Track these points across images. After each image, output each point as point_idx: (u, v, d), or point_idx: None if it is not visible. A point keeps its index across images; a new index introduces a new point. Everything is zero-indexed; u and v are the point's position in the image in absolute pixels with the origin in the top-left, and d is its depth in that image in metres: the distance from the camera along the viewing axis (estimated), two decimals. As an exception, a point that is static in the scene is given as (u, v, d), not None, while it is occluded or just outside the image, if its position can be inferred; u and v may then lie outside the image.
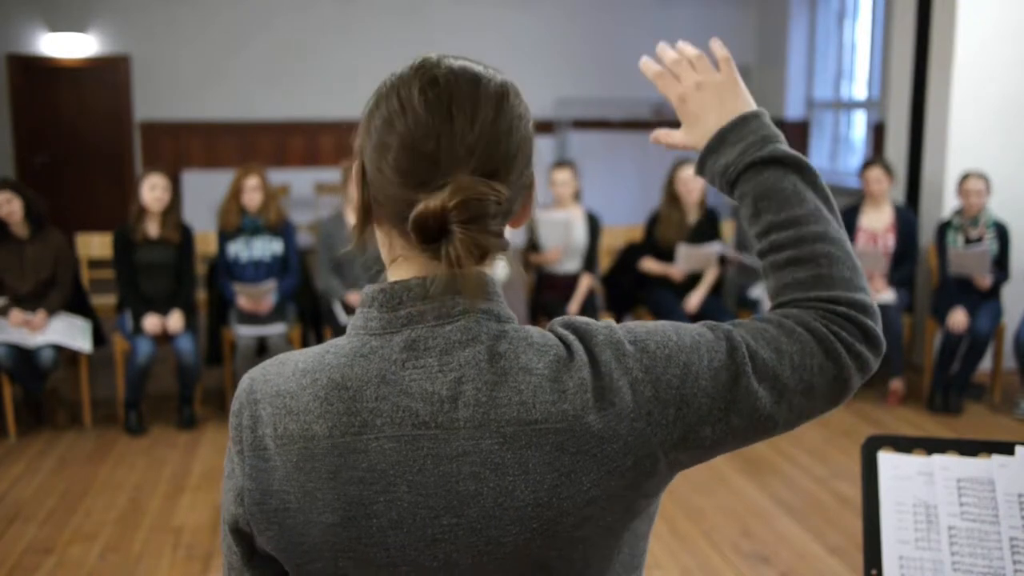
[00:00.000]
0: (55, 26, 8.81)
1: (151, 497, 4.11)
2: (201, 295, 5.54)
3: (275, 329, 5.07)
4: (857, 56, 8.56)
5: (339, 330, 5.02)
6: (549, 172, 5.63)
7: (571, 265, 5.61)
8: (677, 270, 5.58)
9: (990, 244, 5.30)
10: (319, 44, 9.04)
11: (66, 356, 5.26)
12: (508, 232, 0.94)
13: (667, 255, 5.61)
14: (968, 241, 5.35)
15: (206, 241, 5.62)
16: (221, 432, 4.91)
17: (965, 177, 5.34)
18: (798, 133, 8.79)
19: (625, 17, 9.39)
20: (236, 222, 5.19)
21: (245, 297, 5.07)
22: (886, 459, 1.19)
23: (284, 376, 0.94)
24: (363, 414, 0.89)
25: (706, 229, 5.65)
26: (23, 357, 4.80)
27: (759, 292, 5.73)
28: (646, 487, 0.91)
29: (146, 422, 4.99)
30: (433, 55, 0.94)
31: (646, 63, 1.14)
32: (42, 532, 3.77)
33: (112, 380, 5.29)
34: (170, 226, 5.05)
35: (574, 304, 5.48)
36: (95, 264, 5.78)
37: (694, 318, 5.47)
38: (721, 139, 1.08)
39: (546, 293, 5.60)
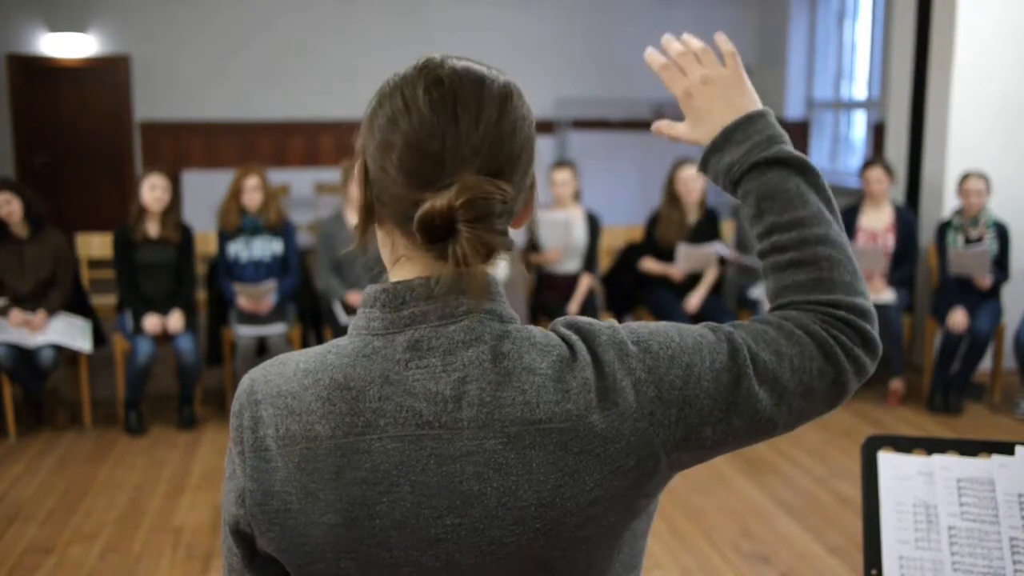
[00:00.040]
0: (55, 26, 8.80)
1: (151, 497, 4.11)
2: (201, 295, 5.54)
3: (275, 329, 5.07)
4: (857, 56, 8.56)
5: (339, 330, 5.02)
6: (549, 172, 5.63)
7: (571, 265, 5.61)
8: (677, 270, 5.58)
9: (990, 244, 5.30)
10: (319, 44, 9.03)
11: (66, 356, 5.26)
12: (509, 232, 0.95)
13: (667, 255, 5.60)
14: (968, 241, 5.35)
15: (206, 241, 5.62)
16: (221, 432, 4.91)
17: (965, 177, 5.34)
18: (798, 133, 8.79)
19: (625, 17, 9.39)
20: (236, 222, 5.19)
21: (245, 297, 5.07)
22: (886, 459, 1.19)
23: (285, 377, 0.93)
24: (366, 414, 0.89)
25: (706, 229, 5.65)
26: (23, 357, 4.80)
27: (759, 292, 5.73)
28: (647, 487, 0.92)
29: (146, 422, 4.99)
30: (436, 55, 0.94)
31: (651, 54, 1.13)
32: (42, 532, 3.77)
33: (112, 380, 5.29)
34: (170, 226, 5.05)
35: (574, 304, 5.48)
36: (95, 264, 5.78)
37: (694, 318, 5.47)
38: (726, 137, 1.07)
39: (546, 293, 5.60)
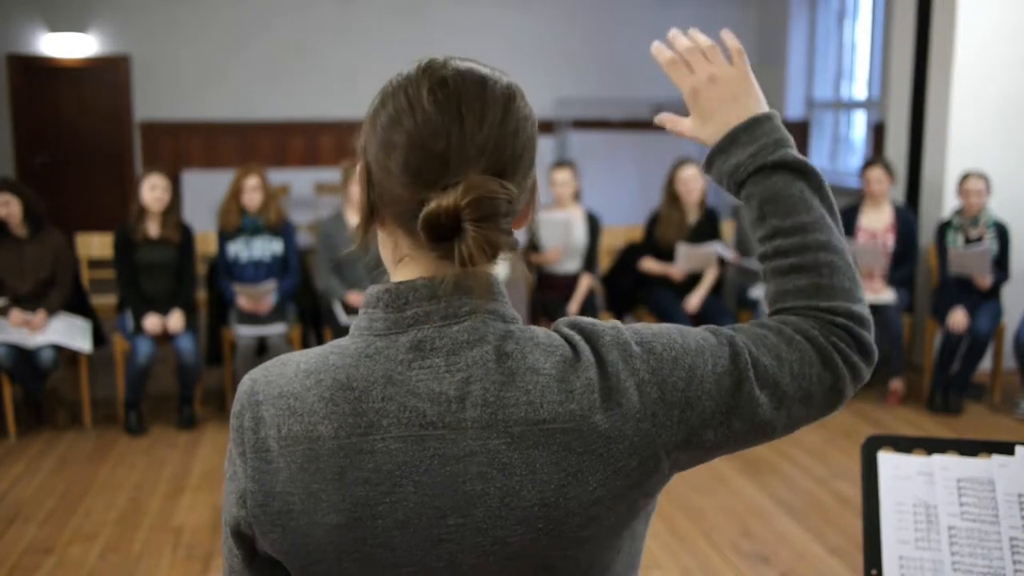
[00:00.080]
0: (55, 26, 8.80)
1: (151, 497, 4.11)
2: (201, 295, 5.54)
3: (275, 329, 5.07)
4: (857, 56, 8.55)
5: (339, 330, 5.02)
6: (549, 172, 5.63)
7: (571, 265, 5.61)
8: (677, 270, 5.58)
9: (990, 244, 5.30)
10: (319, 44, 9.03)
11: (66, 356, 5.26)
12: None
13: (667, 255, 5.60)
14: (968, 241, 5.35)
15: (206, 241, 5.62)
16: (221, 432, 4.91)
17: (965, 177, 5.34)
18: (798, 133, 8.78)
19: (625, 17, 9.39)
20: (236, 222, 5.20)
21: (245, 297, 5.07)
22: (886, 459, 1.19)
23: (287, 377, 0.93)
24: (369, 415, 0.89)
25: (706, 229, 5.65)
26: (23, 357, 4.80)
27: (759, 292, 5.73)
28: (648, 486, 0.92)
29: (146, 422, 4.99)
30: (439, 56, 0.94)
31: (659, 49, 1.12)
32: (42, 532, 3.77)
33: (112, 380, 5.29)
34: (170, 226, 5.05)
35: (574, 304, 5.48)
36: (95, 264, 5.79)
37: (694, 318, 5.47)
38: (732, 139, 1.08)
39: (546, 293, 5.60)
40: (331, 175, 8.47)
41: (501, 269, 0.97)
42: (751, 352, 0.96)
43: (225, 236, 5.22)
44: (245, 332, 5.05)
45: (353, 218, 5.19)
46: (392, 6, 9.09)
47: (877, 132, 7.62)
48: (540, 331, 0.93)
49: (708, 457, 0.96)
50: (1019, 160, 5.73)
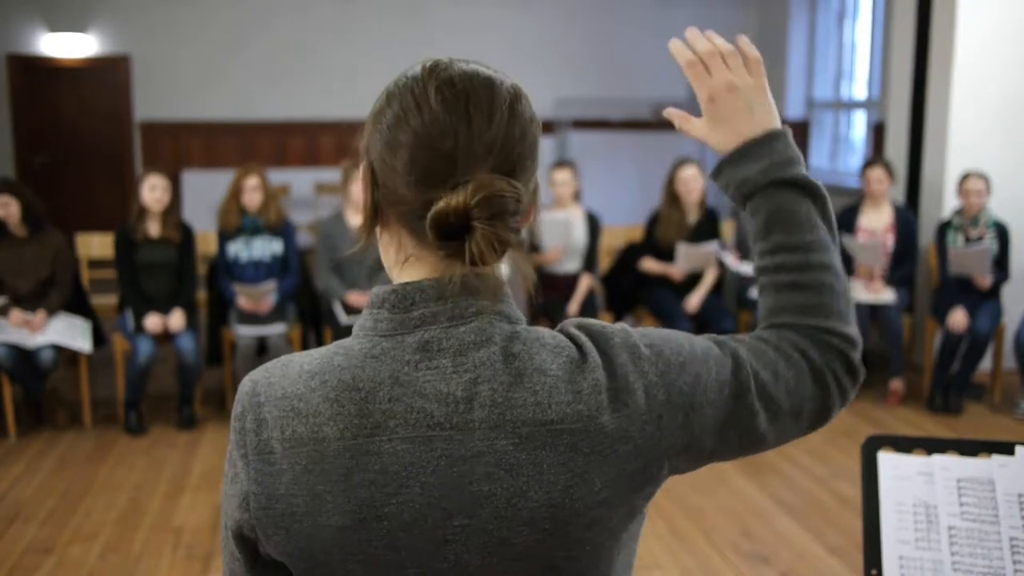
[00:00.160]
0: (55, 26, 8.80)
1: (151, 497, 4.11)
2: (201, 295, 5.54)
3: (275, 329, 5.07)
4: (857, 56, 8.55)
5: (339, 330, 5.02)
6: (549, 172, 5.63)
7: (571, 265, 5.61)
8: (677, 270, 5.57)
9: (990, 244, 5.30)
10: (319, 44, 9.03)
11: (66, 356, 5.26)
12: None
13: (667, 255, 5.60)
14: (968, 241, 5.35)
15: (206, 241, 5.62)
16: (221, 432, 4.91)
17: (965, 177, 5.34)
18: (798, 133, 8.60)
19: (625, 17, 9.39)
20: (236, 222, 5.20)
21: (245, 297, 5.07)
22: (886, 459, 1.19)
23: (290, 378, 0.92)
24: (376, 415, 0.89)
25: (706, 229, 5.65)
26: (23, 357, 4.80)
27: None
28: (648, 489, 0.93)
29: (146, 422, 4.99)
30: (444, 58, 0.94)
31: (678, 48, 1.10)
32: (42, 532, 3.77)
33: (112, 380, 5.29)
34: (171, 226, 5.05)
35: (574, 304, 5.48)
36: (95, 264, 5.78)
37: (694, 318, 5.47)
38: (746, 152, 1.08)
39: (546, 293, 5.60)
40: (331, 175, 8.47)
41: (503, 269, 0.97)
42: (752, 366, 0.98)
43: (225, 236, 5.22)
44: (245, 332, 5.05)
45: (353, 218, 5.19)
46: (392, 6, 9.09)
47: (877, 132, 7.62)
48: (546, 332, 0.94)
49: (703, 464, 0.98)
50: (1019, 160, 5.73)
